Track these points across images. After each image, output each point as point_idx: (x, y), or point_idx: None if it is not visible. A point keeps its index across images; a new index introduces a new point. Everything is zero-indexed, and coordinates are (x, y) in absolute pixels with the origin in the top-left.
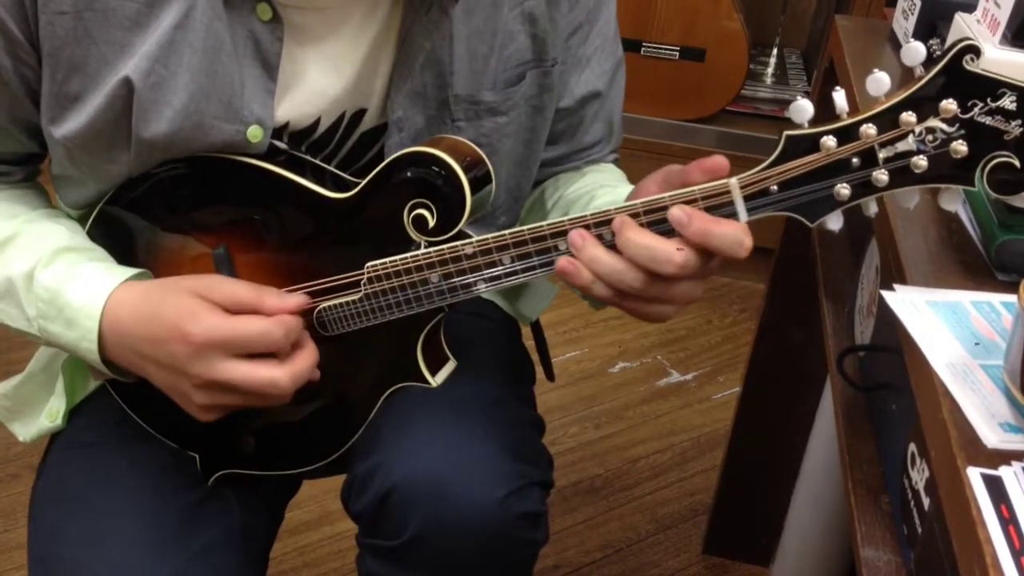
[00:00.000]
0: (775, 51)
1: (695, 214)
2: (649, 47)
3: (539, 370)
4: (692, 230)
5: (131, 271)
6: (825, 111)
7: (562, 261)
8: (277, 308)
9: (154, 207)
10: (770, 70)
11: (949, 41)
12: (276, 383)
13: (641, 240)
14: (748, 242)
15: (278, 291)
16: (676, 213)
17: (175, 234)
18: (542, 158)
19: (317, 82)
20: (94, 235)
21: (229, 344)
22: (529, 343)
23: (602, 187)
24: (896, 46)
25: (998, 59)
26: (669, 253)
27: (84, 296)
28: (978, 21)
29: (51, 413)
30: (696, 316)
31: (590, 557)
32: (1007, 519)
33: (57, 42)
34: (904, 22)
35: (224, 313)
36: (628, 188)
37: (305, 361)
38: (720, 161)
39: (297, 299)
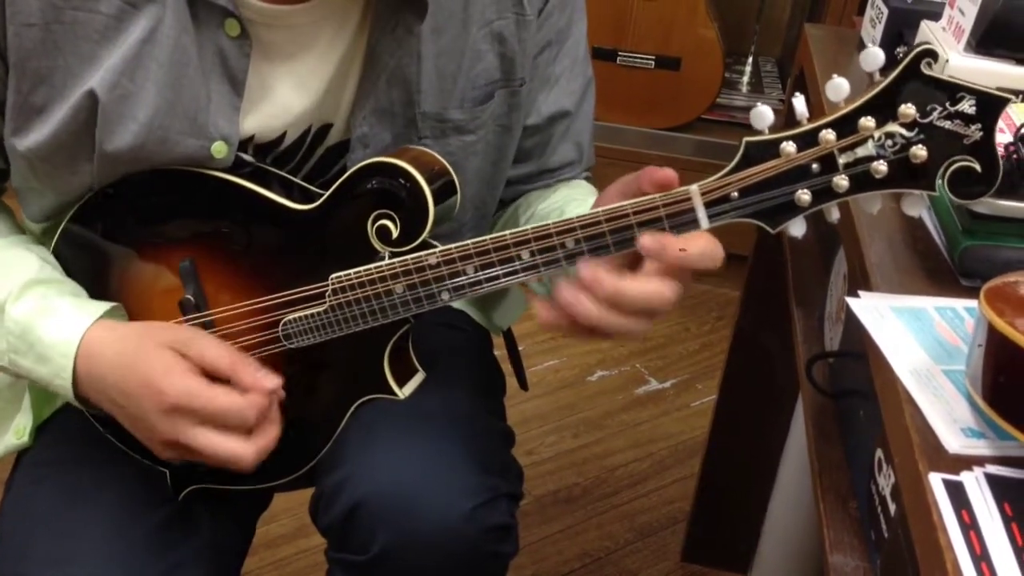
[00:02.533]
0: (750, 60)
1: (667, 241)
2: (625, 56)
3: (513, 382)
4: (669, 257)
5: (104, 306)
6: (794, 118)
7: (544, 316)
8: (252, 385)
9: (119, 221)
10: (745, 78)
11: None
12: (240, 459)
13: (638, 292)
14: (720, 252)
15: (255, 365)
16: (649, 244)
17: (141, 247)
18: (511, 176)
19: (285, 97)
20: (60, 251)
21: (200, 413)
22: (502, 353)
23: (572, 201)
24: None
25: (963, 66)
26: (664, 296)
27: (57, 333)
28: (943, 28)
29: (18, 430)
30: (674, 324)
31: (568, 566)
32: (968, 524)
33: (24, 53)
34: (872, 30)
35: (199, 377)
36: None
37: (271, 436)
38: (669, 174)
39: (273, 381)
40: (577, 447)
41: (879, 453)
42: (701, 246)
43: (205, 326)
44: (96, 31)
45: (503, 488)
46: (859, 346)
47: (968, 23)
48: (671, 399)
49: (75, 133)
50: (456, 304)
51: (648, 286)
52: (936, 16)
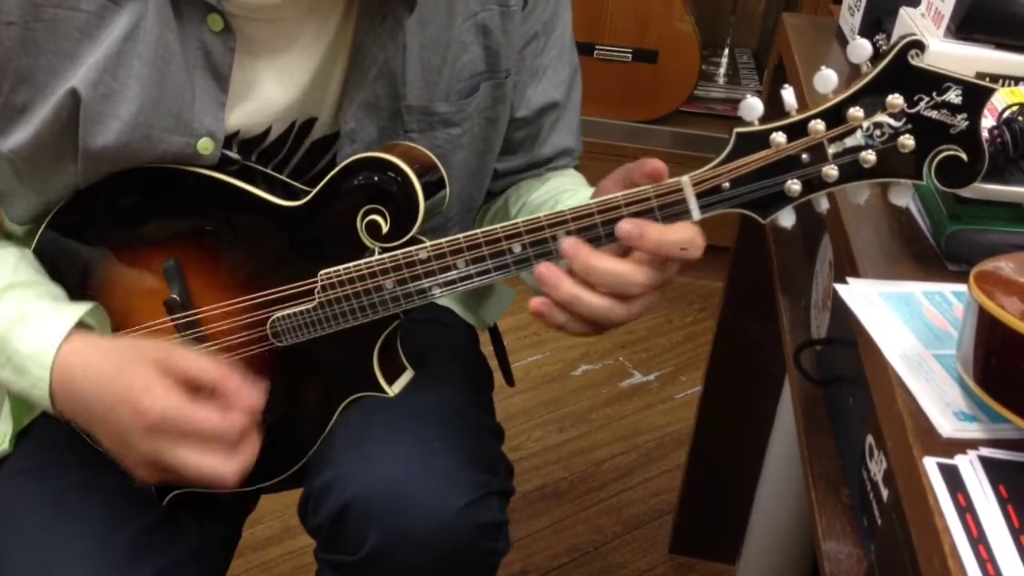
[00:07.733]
0: (727, 51)
1: (646, 226)
2: (602, 50)
3: (499, 377)
4: (646, 244)
5: (82, 308)
6: (776, 109)
7: (535, 303)
8: (236, 400)
9: (103, 220)
10: (722, 70)
11: (895, 36)
12: (223, 477)
13: (603, 266)
14: (700, 241)
15: (239, 379)
16: (627, 228)
17: (125, 247)
18: (502, 169)
19: (269, 91)
20: (42, 253)
21: (181, 430)
22: (487, 349)
23: (565, 191)
24: (844, 43)
25: (943, 52)
26: (630, 274)
27: (33, 341)
28: (922, 15)
29: None
30: (656, 316)
31: (557, 561)
32: (964, 507)
33: (3, 52)
34: (850, 18)
35: (180, 393)
36: (589, 191)
37: (252, 454)
38: (658, 166)
39: (255, 397)
40: (563, 441)
41: (870, 439)
42: (681, 235)
43: (191, 325)
44: (77, 28)
45: (494, 485)
46: (847, 333)
47: (947, 9)
48: (655, 392)
49: (58, 132)
50: (442, 300)
51: (618, 265)
52: (915, 2)
